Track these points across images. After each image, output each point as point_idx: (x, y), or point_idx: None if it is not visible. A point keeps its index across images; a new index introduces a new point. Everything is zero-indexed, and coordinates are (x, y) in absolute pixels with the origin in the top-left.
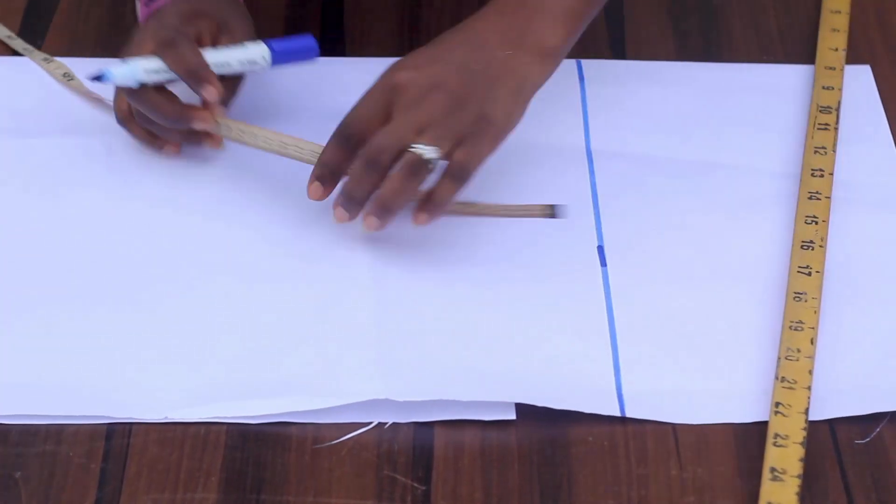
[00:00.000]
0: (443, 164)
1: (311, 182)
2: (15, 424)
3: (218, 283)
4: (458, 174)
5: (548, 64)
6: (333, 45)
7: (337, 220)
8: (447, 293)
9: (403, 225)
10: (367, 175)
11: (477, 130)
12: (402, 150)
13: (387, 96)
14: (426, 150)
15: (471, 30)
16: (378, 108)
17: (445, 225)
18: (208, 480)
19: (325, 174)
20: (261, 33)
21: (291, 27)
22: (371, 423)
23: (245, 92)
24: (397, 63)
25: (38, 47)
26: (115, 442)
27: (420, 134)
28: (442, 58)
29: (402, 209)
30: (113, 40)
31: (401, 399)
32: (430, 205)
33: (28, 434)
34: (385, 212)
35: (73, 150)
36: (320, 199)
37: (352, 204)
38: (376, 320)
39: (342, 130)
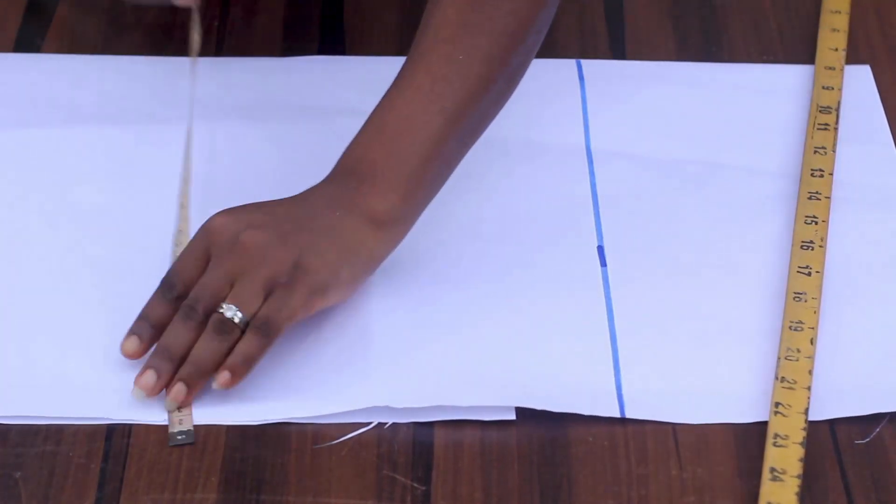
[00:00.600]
0: None
1: (126, 337)
2: (15, 424)
3: None
4: (263, 329)
5: (383, 231)
6: (333, 44)
7: (140, 388)
8: (446, 295)
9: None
10: (183, 329)
11: (291, 280)
12: (217, 304)
13: (204, 243)
14: (227, 310)
15: (301, 197)
16: (197, 256)
17: (445, 225)
18: (208, 481)
19: (144, 328)
20: (261, 33)
21: (291, 27)
22: (371, 423)
23: (245, 90)
24: (221, 213)
25: (38, 47)
26: (115, 442)
27: (232, 284)
28: (264, 208)
29: (213, 371)
30: (113, 40)
31: (400, 406)
32: (231, 358)
33: (28, 434)
34: (195, 374)
35: (74, 145)
36: (134, 356)
37: (163, 361)
38: (375, 324)
39: (164, 281)
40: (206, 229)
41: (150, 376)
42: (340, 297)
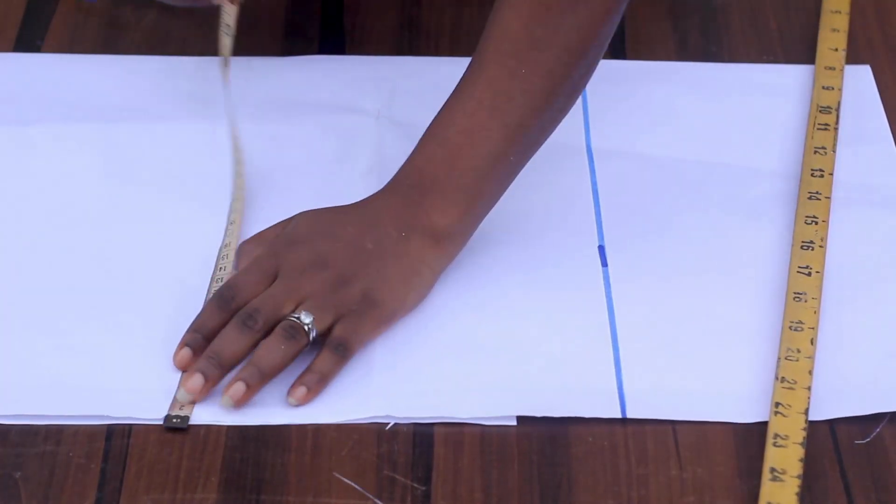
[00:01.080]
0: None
1: (179, 348)
2: (15, 424)
3: (217, 284)
4: (338, 348)
5: (444, 246)
6: (333, 44)
7: (187, 391)
8: (446, 295)
9: None
10: (239, 336)
11: (360, 310)
12: (277, 318)
13: (272, 265)
14: (302, 315)
15: (366, 207)
16: (262, 276)
17: None
18: (208, 481)
19: (198, 339)
20: (261, 33)
21: (291, 26)
22: (371, 423)
23: (244, 89)
24: (287, 232)
25: (38, 47)
26: (115, 442)
27: (299, 305)
28: (333, 232)
29: (273, 377)
30: (113, 40)
31: (401, 416)
32: (308, 376)
33: (28, 434)
34: (257, 375)
35: (74, 144)
36: (185, 368)
37: (212, 367)
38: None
39: (223, 292)
40: (277, 254)
41: (198, 379)
42: (404, 316)
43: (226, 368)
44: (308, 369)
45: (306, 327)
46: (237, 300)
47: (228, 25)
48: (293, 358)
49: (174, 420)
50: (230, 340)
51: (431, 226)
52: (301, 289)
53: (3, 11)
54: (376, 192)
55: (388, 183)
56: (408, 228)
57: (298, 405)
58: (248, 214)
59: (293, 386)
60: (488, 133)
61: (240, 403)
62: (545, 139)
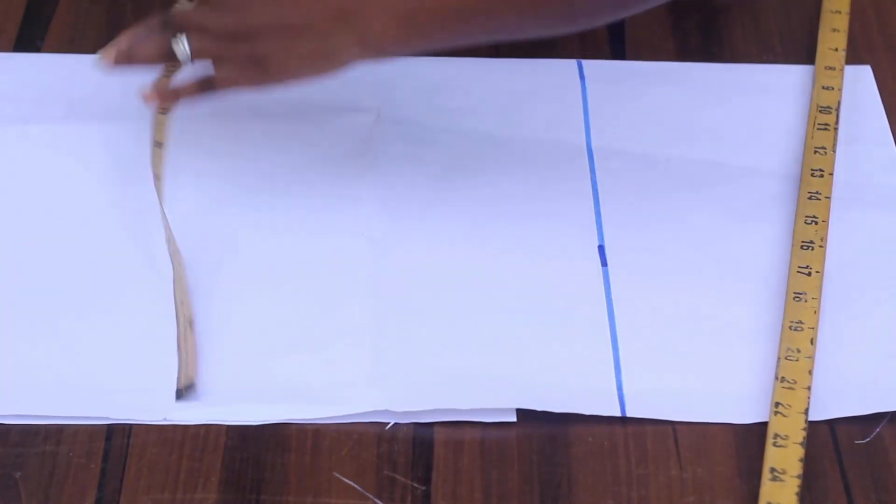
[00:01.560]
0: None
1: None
2: (15, 424)
3: (219, 286)
4: (206, 88)
5: (366, 53)
6: None
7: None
8: (446, 296)
9: (402, 229)
10: (145, 27)
11: (250, 64)
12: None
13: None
14: (179, 38)
15: None
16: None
17: (445, 225)
18: (208, 481)
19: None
20: None
21: None
22: (371, 423)
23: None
24: None
25: (38, 47)
26: (115, 442)
27: (198, 30)
28: None
29: (131, 66)
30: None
31: (400, 409)
32: (167, 93)
33: (28, 434)
34: (124, 58)
35: (74, 144)
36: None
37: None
38: (375, 326)
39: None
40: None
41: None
42: (289, 81)
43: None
44: (173, 87)
45: (179, 46)
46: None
47: (158, 143)
48: (151, 59)
49: (184, 392)
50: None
51: (366, 27)
52: (203, 19)
53: (3, 11)
54: None
55: None
56: (343, 17)
57: (146, 102)
58: (247, 214)
59: (150, 90)
60: None
61: (102, 67)
62: (518, 34)
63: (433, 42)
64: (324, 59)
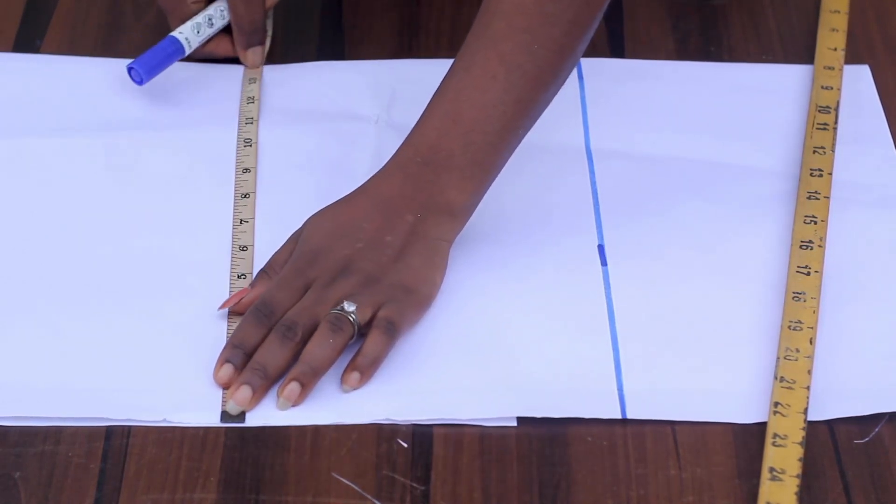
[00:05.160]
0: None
1: (219, 365)
2: (14, 425)
3: (218, 289)
4: (387, 328)
5: (459, 220)
6: (332, 45)
7: (238, 404)
8: (446, 299)
9: None
10: (280, 346)
11: (395, 298)
12: (315, 326)
13: (301, 283)
14: (345, 305)
15: (375, 194)
16: (293, 291)
17: None
18: (207, 481)
19: (238, 355)
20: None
21: (291, 26)
22: (370, 423)
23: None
24: (303, 247)
25: (38, 47)
26: (114, 442)
27: (337, 304)
28: (349, 234)
29: (325, 372)
30: (113, 40)
31: (401, 419)
32: (360, 359)
33: (27, 434)
34: (309, 373)
35: (73, 149)
36: (228, 385)
37: (258, 378)
38: None
39: (258, 309)
40: (298, 270)
41: (247, 391)
42: (437, 294)
43: (271, 379)
44: (359, 353)
45: (351, 317)
46: (275, 314)
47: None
48: (342, 350)
49: (231, 417)
50: (272, 351)
51: (447, 203)
52: (334, 296)
53: (2, 11)
54: (380, 172)
55: (393, 160)
56: (423, 209)
57: (352, 390)
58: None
59: (346, 372)
60: (503, 109)
61: (296, 403)
62: (543, 110)
63: (504, 164)
64: (438, 270)
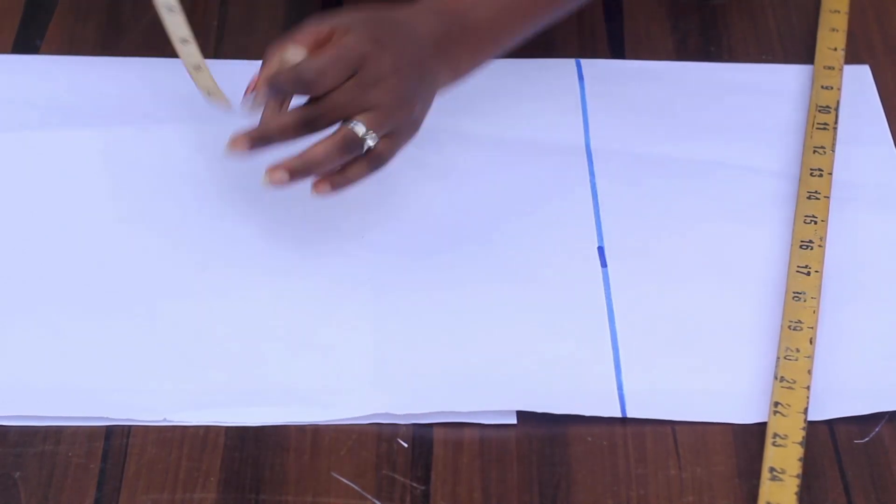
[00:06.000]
0: None
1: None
2: (14, 425)
3: (219, 287)
4: (377, 163)
5: (456, 83)
6: None
7: (232, 147)
8: (446, 298)
9: (402, 231)
10: (301, 126)
11: (405, 129)
12: (346, 116)
13: (352, 65)
14: (367, 135)
15: (420, 33)
16: (345, 68)
17: (444, 226)
18: (207, 480)
19: (276, 91)
20: (260, 33)
21: (291, 27)
22: (370, 423)
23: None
24: (372, 31)
25: (37, 47)
26: (114, 442)
27: (366, 111)
28: (402, 43)
29: (313, 174)
30: (113, 40)
31: (401, 413)
32: (339, 178)
33: (27, 434)
34: (300, 169)
35: (72, 146)
36: (244, 148)
37: (262, 143)
38: (376, 329)
39: (303, 72)
40: (360, 56)
41: (243, 142)
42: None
43: (270, 142)
44: (341, 172)
45: (363, 145)
46: (316, 86)
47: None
48: (338, 165)
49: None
50: (287, 130)
51: (457, 64)
52: (371, 99)
53: (2, 11)
54: (418, 11)
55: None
56: (446, 60)
57: (318, 194)
58: (248, 227)
59: (320, 181)
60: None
61: (276, 186)
62: (543, 24)
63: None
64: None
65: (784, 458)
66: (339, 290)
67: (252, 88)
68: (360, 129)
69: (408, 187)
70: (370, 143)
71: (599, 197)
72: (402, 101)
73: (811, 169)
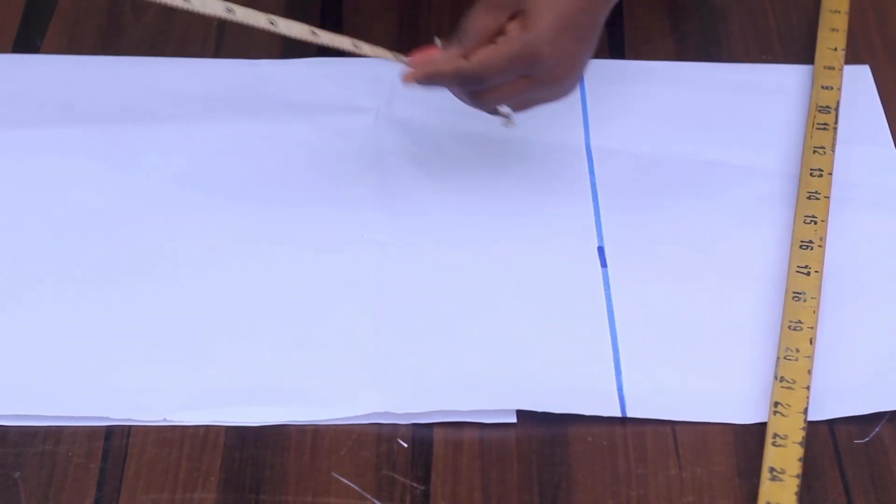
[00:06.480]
0: None
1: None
2: (14, 425)
3: (219, 287)
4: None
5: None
6: None
7: (405, 81)
8: (447, 298)
9: (402, 230)
10: (466, 98)
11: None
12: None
13: (526, 67)
14: (510, 119)
15: (591, 21)
16: (512, 74)
17: (444, 226)
18: (207, 481)
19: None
20: (260, 33)
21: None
22: (370, 423)
23: (243, 90)
24: (545, 34)
25: (37, 47)
26: (114, 442)
27: (522, 94)
28: (576, 49)
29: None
30: (113, 40)
31: (401, 412)
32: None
33: (27, 434)
34: (431, 80)
35: (73, 146)
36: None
37: (430, 81)
38: (376, 328)
39: (474, 72)
40: (534, 57)
41: (417, 74)
42: None
43: (432, 82)
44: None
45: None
46: (483, 83)
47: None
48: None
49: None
50: (449, 78)
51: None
52: (542, 98)
53: (2, 11)
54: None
55: None
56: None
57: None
58: (247, 215)
59: (414, 73)
60: None
61: (409, 81)
62: None
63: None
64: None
65: (784, 458)
66: (338, 289)
67: (412, 75)
68: (506, 112)
69: (408, 187)
70: (510, 125)
71: (599, 197)
72: (556, 93)
73: (811, 169)
